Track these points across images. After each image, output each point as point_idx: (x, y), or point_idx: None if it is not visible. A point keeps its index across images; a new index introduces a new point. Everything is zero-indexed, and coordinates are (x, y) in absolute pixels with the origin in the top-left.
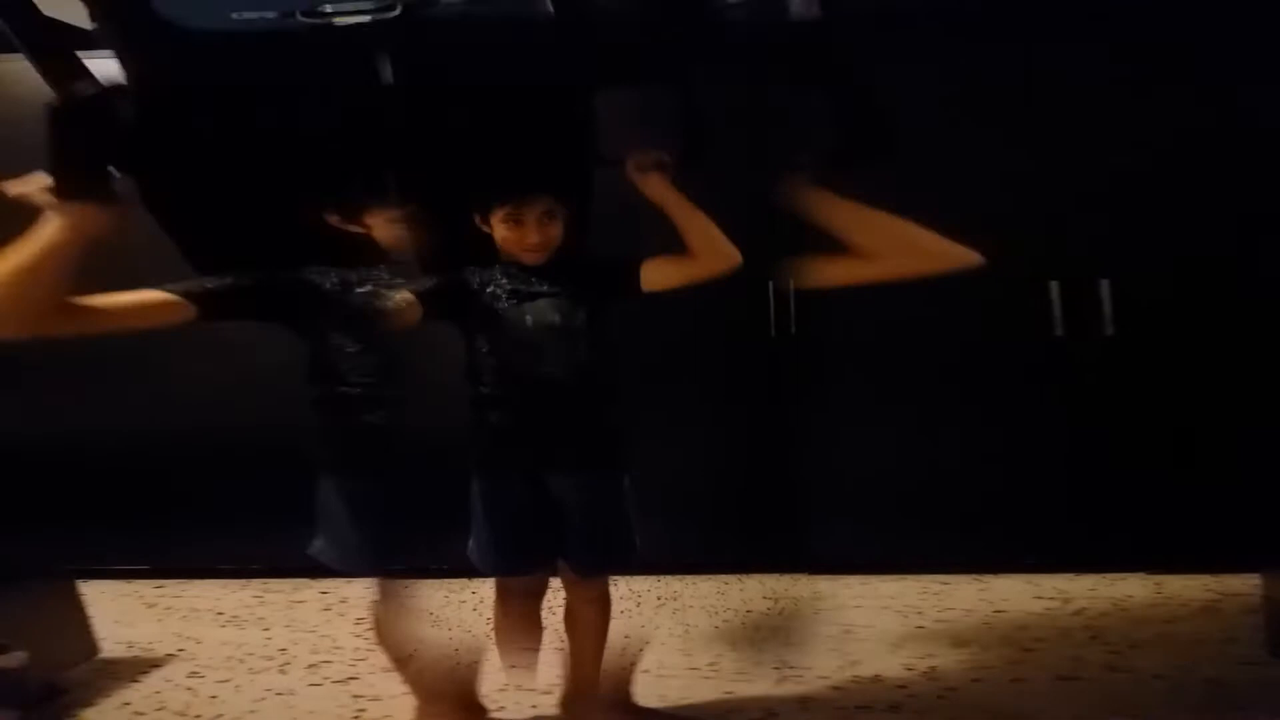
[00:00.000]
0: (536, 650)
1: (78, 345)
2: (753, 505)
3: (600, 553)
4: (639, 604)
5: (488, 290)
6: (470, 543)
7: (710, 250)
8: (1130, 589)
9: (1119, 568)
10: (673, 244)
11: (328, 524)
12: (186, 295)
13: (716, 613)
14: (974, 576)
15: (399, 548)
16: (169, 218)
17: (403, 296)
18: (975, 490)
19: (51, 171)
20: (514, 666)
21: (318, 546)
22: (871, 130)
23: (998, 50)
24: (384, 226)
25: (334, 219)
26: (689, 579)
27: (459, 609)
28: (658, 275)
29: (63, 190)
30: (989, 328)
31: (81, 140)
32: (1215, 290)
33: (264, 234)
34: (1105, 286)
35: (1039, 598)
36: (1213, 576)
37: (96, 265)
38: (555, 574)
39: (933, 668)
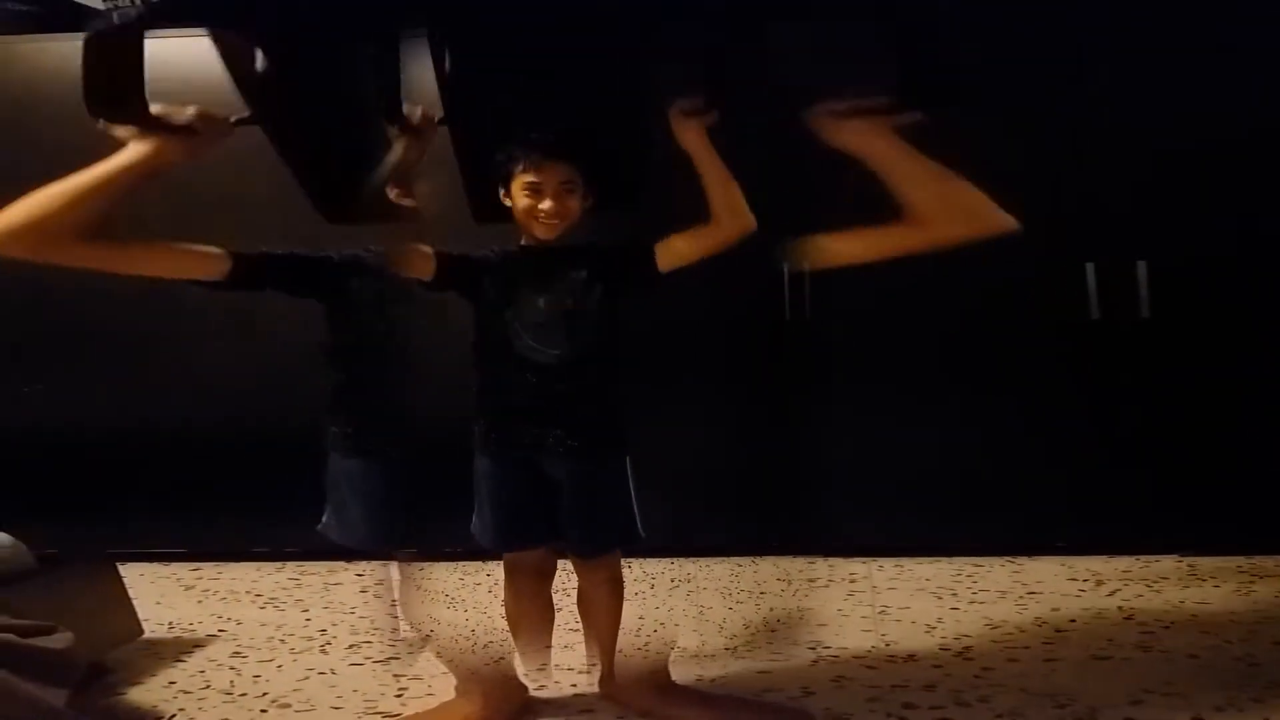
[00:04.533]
0: (549, 631)
1: (118, 335)
2: (768, 489)
3: (596, 534)
4: (653, 586)
5: (504, 269)
6: (474, 519)
7: (730, 212)
8: (1164, 570)
9: (1152, 550)
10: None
11: (334, 498)
12: (231, 253)
13: (730, 594)
14: (1008, 559)
15: (404, 527)
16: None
17: (418, 246)
18: (1008, 473)
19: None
20: (527, 647)
21: (325, 522)
22: (941, 69)
23: (1040, 20)
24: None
25: (394, 193)
26: (702, 561)
27: (473, 590)
28: (673, 252)
29: (99, 111)
30: (1024, 309)
31: (106, 63)
32: (1251, 272)
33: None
34: (1142, 268)
35: (1072, 580)
36: (1245, 558)
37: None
38: (563, 555)
39: (967, 648)
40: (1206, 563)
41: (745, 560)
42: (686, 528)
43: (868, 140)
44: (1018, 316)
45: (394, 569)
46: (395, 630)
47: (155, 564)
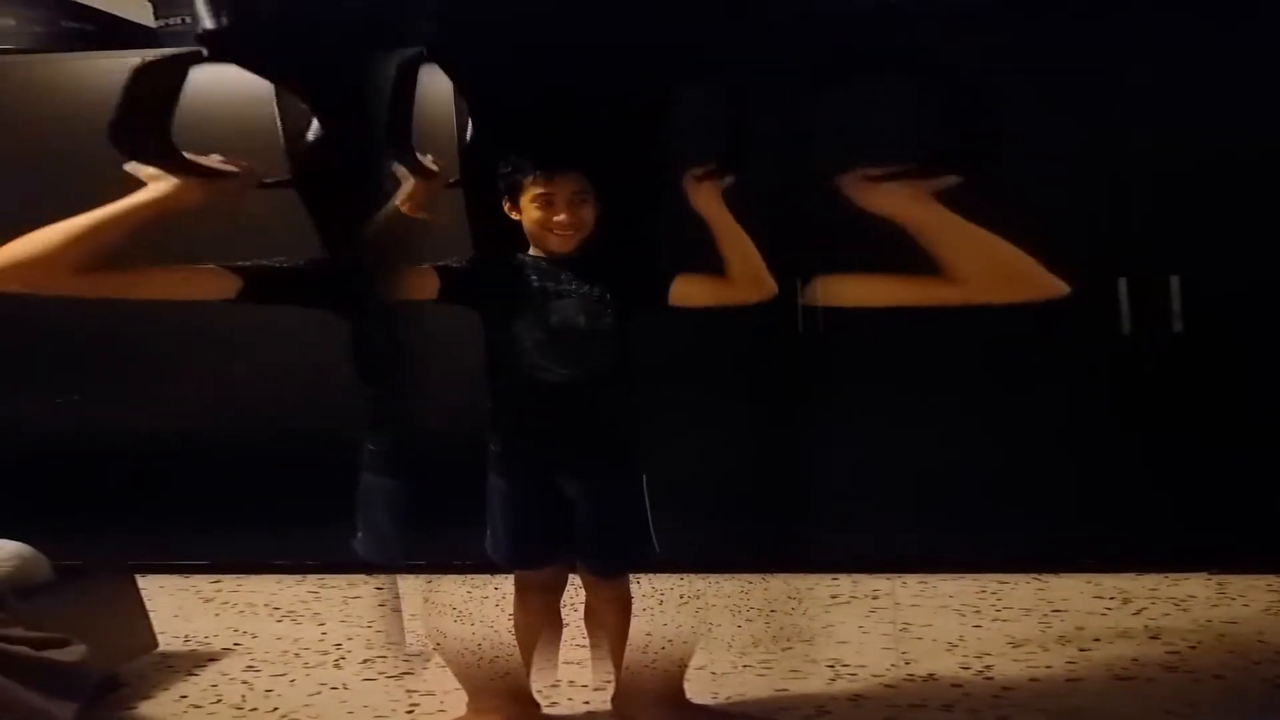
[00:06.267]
0: (557, 645)
1: (140, 345)
2: (779, 504)
3: (612, 553)
4: (661, 603)
5: (515, 284)
6: (487, 536)
7: (748, 278)
8: (1192, 589)
9: (1181, 568)
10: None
11: (365, 515)
12: (238, 271)
13: (740, 612)
14: (1033, 576)
15: (434, 543)
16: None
17: (417, 268)
18: (1036, 489)
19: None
20: (534, 662)
21: (357, 539)
22: (981, 128)
23: (1068, 31)
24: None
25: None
26: (712, 578)
27: (482, 604)
28: (687, 292)
29: (124, 147)
30: (1055, 323)
31: (145, 94)
32: None
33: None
34: (1175, 283)
35: (1099, 598)
36: (1277, 576)
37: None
38: (574, 570)
39: (989, 667)
40: (1237, 581)
41: (756, 577)
42: (697, 543)
43: (903, 205)
44: (1048, 330)
45: (404, 584)
46: (408, 644)
47: (175, 576)
